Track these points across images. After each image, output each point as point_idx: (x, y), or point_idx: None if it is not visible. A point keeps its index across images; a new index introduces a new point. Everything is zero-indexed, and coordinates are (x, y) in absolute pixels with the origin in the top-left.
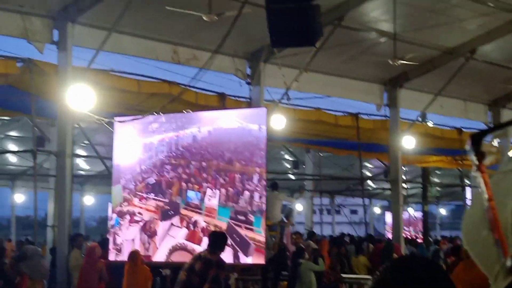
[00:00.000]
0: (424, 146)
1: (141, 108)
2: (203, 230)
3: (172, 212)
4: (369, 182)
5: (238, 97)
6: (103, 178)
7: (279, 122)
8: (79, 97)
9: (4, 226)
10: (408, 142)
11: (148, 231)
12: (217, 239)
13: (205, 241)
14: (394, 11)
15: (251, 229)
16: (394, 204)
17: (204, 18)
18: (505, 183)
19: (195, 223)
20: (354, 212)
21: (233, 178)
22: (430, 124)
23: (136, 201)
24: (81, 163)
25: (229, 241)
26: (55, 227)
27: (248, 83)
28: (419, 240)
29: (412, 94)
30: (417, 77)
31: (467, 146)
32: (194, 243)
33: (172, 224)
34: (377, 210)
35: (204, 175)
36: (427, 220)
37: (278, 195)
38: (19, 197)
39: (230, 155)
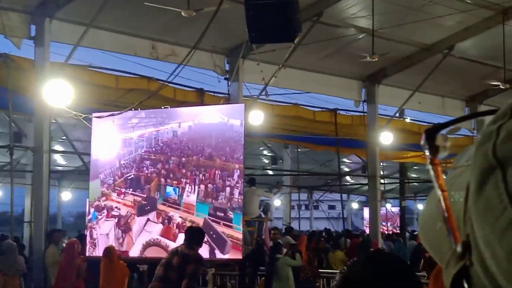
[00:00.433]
0: (401, 142)
1: (119, 103)
2: (178, 226)
3: (149, 208)
4: (347, 177)
5: (217, 93)
6: (81, 174)
7: (258, 117)
8: (56, 93)
9: None
10: (386, 138)
11: (123, 226)
12: (194, 234)
13: (181, 237)
14: (372, 7)
15: (230, 226)
16: (371, 200)
17: (183, 14)
18: (460, 179)
19: (170, 219)
20: (332, 207)
21: (213, 174)
22: (408, 120)
23: (114, 196)
24: (58, 158)
25: (206, 237)
26: (32, 223)
27: (227, 79)
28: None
29: (390, 90)
30: (395, 73)
31: (422, 141)
32: (169, 239)
33: (148, 219)
34: (355, 205)
35: (184, 170)
36: (405, 215)
37: (256, 190)
38: None
39: (211, 150)
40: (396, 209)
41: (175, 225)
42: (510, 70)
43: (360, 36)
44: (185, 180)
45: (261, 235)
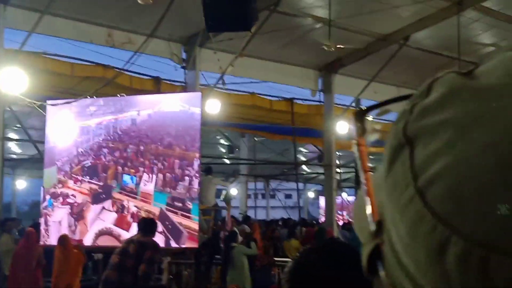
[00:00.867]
0: None
1: (75, 91)
2: (133, 215)
3: (104, 196)
4: (304, 166)
5: (173, 81)
6: (36, 162)
7: (214, 106)
8: (10, 80)
9: None
10: (342, 127)
11: (75, 214)
12: (147, 224)
13: (134, 227)
14: None
15: (188, 217)
16: (327, 189)
17: (139, 1)
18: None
19: (124, 208)
20: (288, 196)
21: (172, 163)
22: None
23: (70, 183)
24: (12, 146)
25: (161, 227)
26: None
27: (183, 68)
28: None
29: (346, 80)
30: (352, 63)
31: (351, 123)
32: (122, 228)
33: (103, 207)
34: (311, 194)
35: (142, 159)
36: None
37: (212, 179)
38: None
39: (171, 139)
40: (352, 198)
41: (129, 214)
42: (465, 61)
43: (317, 26)
44: (143, 168)
45: (217, 224)
